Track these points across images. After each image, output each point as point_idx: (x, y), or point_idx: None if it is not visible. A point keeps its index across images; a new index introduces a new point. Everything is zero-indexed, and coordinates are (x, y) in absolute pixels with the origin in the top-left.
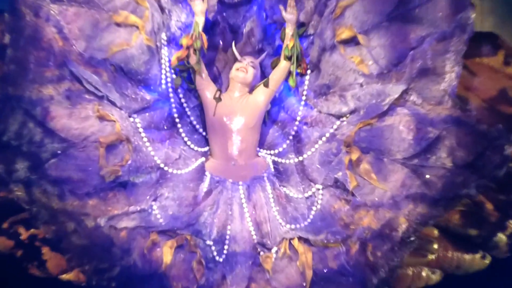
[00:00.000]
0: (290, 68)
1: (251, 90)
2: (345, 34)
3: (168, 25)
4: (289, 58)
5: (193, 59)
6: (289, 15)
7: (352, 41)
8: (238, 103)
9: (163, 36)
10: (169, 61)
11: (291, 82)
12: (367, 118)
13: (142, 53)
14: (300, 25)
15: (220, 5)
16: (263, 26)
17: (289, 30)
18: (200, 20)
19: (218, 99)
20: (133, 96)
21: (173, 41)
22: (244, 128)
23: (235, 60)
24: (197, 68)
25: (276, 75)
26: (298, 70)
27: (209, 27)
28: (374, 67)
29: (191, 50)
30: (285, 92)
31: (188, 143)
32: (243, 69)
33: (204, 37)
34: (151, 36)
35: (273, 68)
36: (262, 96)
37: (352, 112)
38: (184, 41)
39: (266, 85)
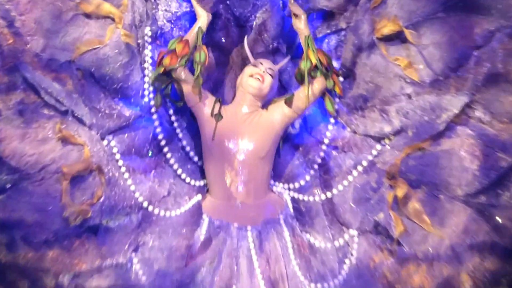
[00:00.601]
0: (306, 91)
1: (264, 105)
2: (387, 28)
3: (154, 16)
4: (301, 80)
5: (180, 73)
6: (296, 20)
7: (397, 38)
8: (247, 122)
9: (147, 31)
10: (156, 64)
11: (329, 107)
12: (418, 140)
13: (119, 53)
14: (326, 14)
15: None
16: (280, 17)
17: (301, 38)
18: (204, 25)
19: (218, 116)
20: (107, 111)
21: (160, 38)
22: (253, 157)
23: (243, 63)
24: (196, 86)
25: (304, 94)
26: (336, 90)
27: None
28: (427, 72)
29: (182, 60)
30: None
31: (181, 175)
32: (259, 77)
33: (205, 50)
34: (131, 31)
35: (299, 81)
36: (279, 116)
37: (397, 132)
38: (179, 47)
39: (288, 103)
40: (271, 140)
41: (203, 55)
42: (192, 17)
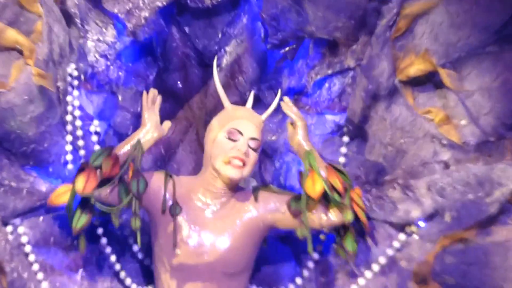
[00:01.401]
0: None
1: (237, 189)
2: (415, 67)
3: (82, 48)
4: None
5: (99, 200)
6: (291, 127)
7: (428, 81)
8: (218, 217)
9: (72, 69)
10: (85, 118)
11: (349, 245)
12: (459, 228)
13: (30, 101)
14: (327, 47)
15: (179, 13)
16: (260, 52)
17: (299, 154)
18: (149, 139)
19: (176, 209)
20: (13, 184)
21: (92, 80)
22: (225, 271)
23: (208, 117)
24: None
25: (308, 219)
26: (362, 223)
27: (159, 54)
28: (471, 130)
29: (104, 187)
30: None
31: (121, 275)
32: (239, 162)
33: (145, 178)
34: (47, 70)
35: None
36: (273, 219)
37: (429, 217)
38: (105, 165)
39: (294, 210)
40: (252, 247)
41: (142, 185)
42: (138, 52)
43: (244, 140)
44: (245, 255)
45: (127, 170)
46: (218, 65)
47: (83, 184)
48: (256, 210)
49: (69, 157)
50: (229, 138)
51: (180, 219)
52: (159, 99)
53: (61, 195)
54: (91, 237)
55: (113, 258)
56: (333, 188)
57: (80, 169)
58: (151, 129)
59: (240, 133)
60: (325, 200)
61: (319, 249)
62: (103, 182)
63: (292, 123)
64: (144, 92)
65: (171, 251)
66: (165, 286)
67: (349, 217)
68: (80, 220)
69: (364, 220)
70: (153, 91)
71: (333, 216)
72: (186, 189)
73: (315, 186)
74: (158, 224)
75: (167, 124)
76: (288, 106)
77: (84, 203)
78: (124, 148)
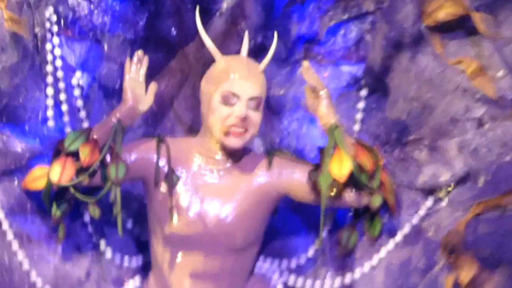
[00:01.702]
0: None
1: (245, 151)
2: (444, 10)
3: None
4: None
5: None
6: (311, 97)
7: (460, 27)
8: (222, 185)
9: (50, 14)
10: (66, 69)
11: (374, 229)
12: (494, 193)
13: (2, 50)
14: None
15: None
16: None
17: (324, 127)
18: (131, 117)
19: (174, 178)
20: None
21: (73, 26)
22: (229, 247)
23: (206, 69)
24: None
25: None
26: (389, 204)
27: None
28: (508, 83)
29: (81, 175)
30: (313, 129)
31: (107, 247)
32: (239, 129)
33: (126, 163)
34: (21, 13)
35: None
36: (290, 190)
37: (460, 181)
38: (83, 151)
39: (313, 186)
40: (262, 217)
41: (122, 170)
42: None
43: (242, 102)
44: (254, 227)
45: (108, 152)
46: (218, 9)
47: (59, 175)
48: (269, 177)
49: (49, 113)
50: (225, 103)
51: (179, 185)
52: (145, 62)
53: (36, 180)
54: (75, 204)
55: (96, 226)
56: (361, 168)
57: (56, 153)
58: (134, 105)
59: (236, 95)
60: (351, 179)
61: (333, 216)
62: (82, 169)
63: (313, 90)
64: (128, 59)
65: (168, 221)
66: (162, 261)
67: (377, 202)
68: (60, 208)
69: (393, 205)
70: (139, 55)
71: (359, 198)
72: (184, 152)
73: (342, 167)
74: (153, 193)
75: (153, 89)
76: (309, 72)
77: (62, 191)
78: (102, 129)
